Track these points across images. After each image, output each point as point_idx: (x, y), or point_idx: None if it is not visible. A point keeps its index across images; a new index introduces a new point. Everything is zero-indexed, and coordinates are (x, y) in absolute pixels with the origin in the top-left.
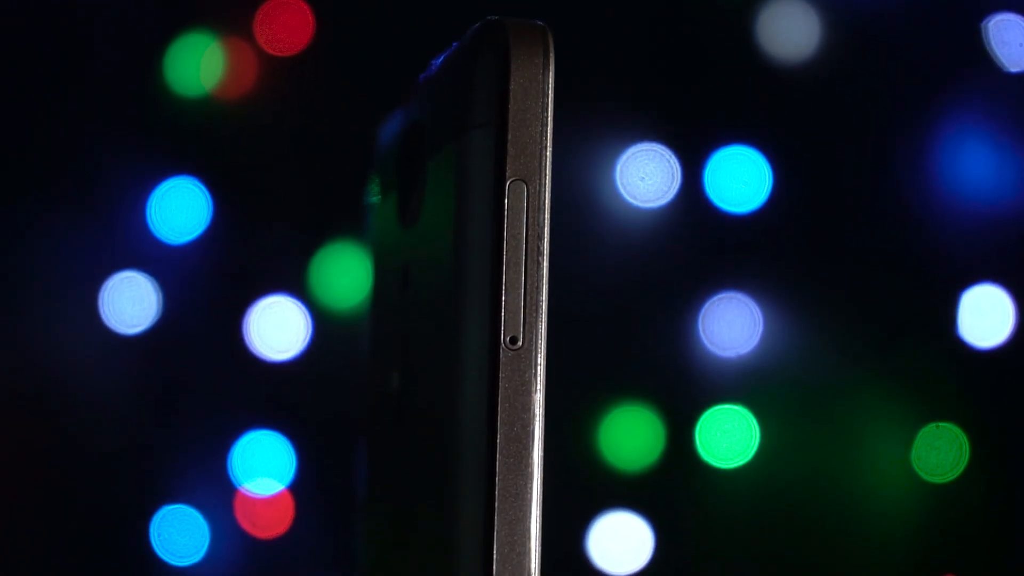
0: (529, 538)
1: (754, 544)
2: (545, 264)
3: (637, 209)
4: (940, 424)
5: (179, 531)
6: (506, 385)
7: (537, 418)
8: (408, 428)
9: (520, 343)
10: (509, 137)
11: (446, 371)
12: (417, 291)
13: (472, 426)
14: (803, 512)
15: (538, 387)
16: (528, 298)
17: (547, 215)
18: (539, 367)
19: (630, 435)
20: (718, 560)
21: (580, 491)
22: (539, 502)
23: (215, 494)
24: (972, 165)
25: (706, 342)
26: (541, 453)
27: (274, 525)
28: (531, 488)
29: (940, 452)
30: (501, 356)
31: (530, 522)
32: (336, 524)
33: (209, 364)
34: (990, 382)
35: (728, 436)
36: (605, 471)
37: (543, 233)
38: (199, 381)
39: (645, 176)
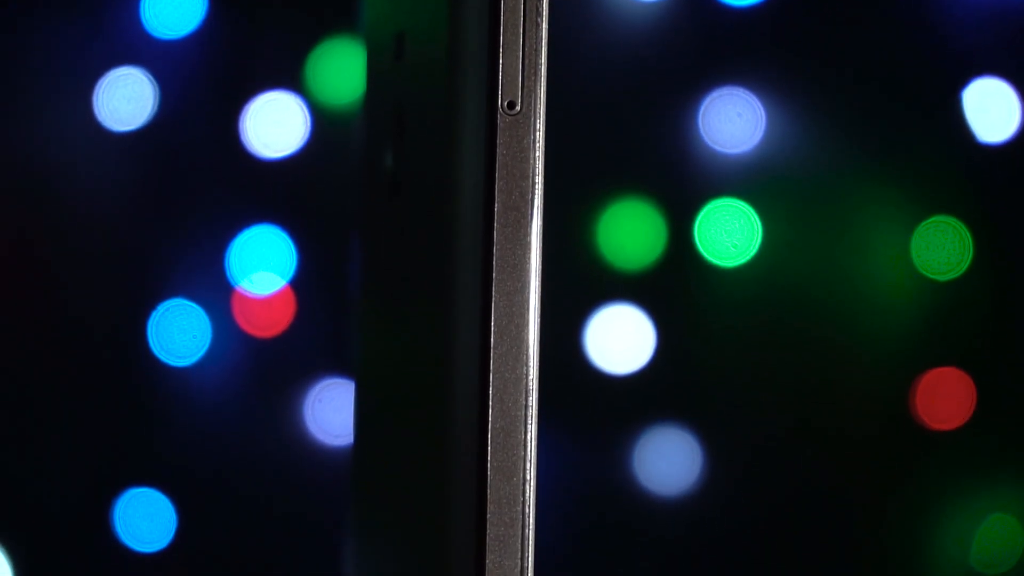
0: (527, 309)
1: (757, 341)
2: (545, 26)
3: (636, 3)
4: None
5: (178, 329)
6: (504, 151)
7: (537, 187)
8: (403, 206)
9: (518, 107)
10: None
11: (441, 140)
12: (411, 59)
13: (469, 195)
14: (805, 309)
15: (538, 154)
16: (527, 61)
17: None
18: (538, 132)
19: (629, 232)
20: (721, 358)
21: (578, 289)
22: (538, 273)
23: (213, 293)
24: None
25: (706, 139)
26: (540, 223)
27: (274, 324)
28: (529, 258)
29: (943, 249)
30: (498, 121)
31: (529, 292)
32: (338, 321)
33: (206, 162)
34: (996, 178)
35: (730, 233)
36: (604, 269)
37: None
38: (196, 179)
39: None
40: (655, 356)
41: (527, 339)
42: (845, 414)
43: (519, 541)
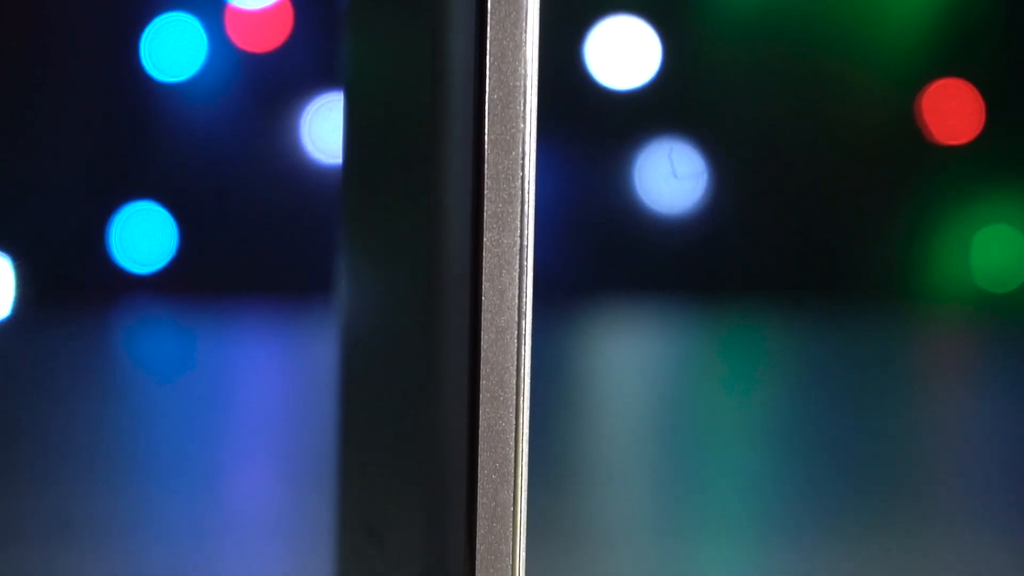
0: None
1: (764, 53)
2: None
3: None
4: None
5: (172, 44)
6: None
7: None
8: None
9: None
10: None
11: None
12: None
13: None
14: (812, 19)
15: None
16: None
17: None
18: None
19: None
20: (728, 71)
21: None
22: None
23: (206, 6)
24: None
25: None
26: None
27: (270, 38)
28: None
29: None
30: None
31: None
32: (337, 36)
33: None
34: None
35: None
36: None
37: None
38: None
39: None
40: (660, 70)
41: (525, 36)
42: (852, 126)
43: (518, 219)
